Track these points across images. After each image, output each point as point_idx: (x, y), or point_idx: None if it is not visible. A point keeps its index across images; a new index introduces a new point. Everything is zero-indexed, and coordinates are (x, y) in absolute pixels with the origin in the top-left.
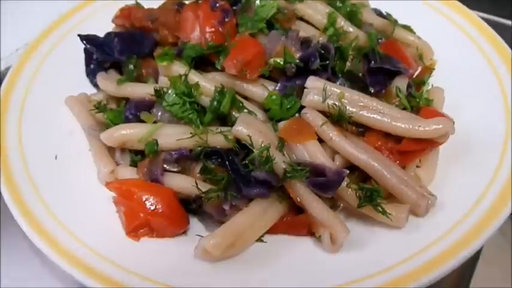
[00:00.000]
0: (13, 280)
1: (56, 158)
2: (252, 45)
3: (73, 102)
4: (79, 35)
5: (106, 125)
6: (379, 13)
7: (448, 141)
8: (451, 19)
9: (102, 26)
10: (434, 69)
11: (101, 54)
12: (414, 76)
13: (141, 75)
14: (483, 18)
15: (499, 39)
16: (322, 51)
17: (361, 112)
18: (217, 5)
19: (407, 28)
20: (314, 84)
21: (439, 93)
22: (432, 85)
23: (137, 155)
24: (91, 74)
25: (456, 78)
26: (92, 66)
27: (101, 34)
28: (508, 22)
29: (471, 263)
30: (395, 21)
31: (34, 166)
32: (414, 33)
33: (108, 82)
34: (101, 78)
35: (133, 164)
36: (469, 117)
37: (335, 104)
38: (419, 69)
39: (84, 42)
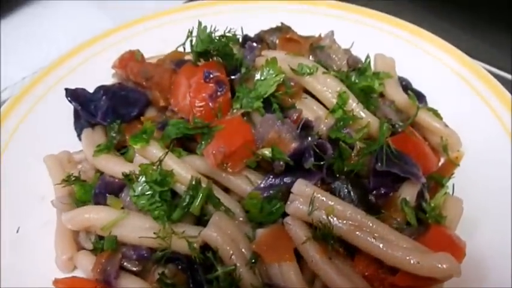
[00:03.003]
0: None
1: (17, 231)
2: (240, 131)
3: (51, 163)
4: (66, 90)
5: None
6: (406, 84)
7: None
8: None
9: (102, 68)
10: (459, 165)
11: (86, 114)
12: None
13: (125, 140)
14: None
15: None
16: (318, 151)
17: (351, 233)
18: (211, 76)
19: (433, 111)
20: (302, 190)
21: (456, 208)
22: (454, 187)
23: (102, 239)
24: (78, 128)
25: (479, 177)
26: (80, 120)
27: (101, 76)
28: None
29: None
30: (423, 98)
31: None
32: (441, 118)
33: (91, 147)
34: (85, 138)
35: (96, 249)
36: (485, 238)
37: (321, 222)
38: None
39: (69, 99)
